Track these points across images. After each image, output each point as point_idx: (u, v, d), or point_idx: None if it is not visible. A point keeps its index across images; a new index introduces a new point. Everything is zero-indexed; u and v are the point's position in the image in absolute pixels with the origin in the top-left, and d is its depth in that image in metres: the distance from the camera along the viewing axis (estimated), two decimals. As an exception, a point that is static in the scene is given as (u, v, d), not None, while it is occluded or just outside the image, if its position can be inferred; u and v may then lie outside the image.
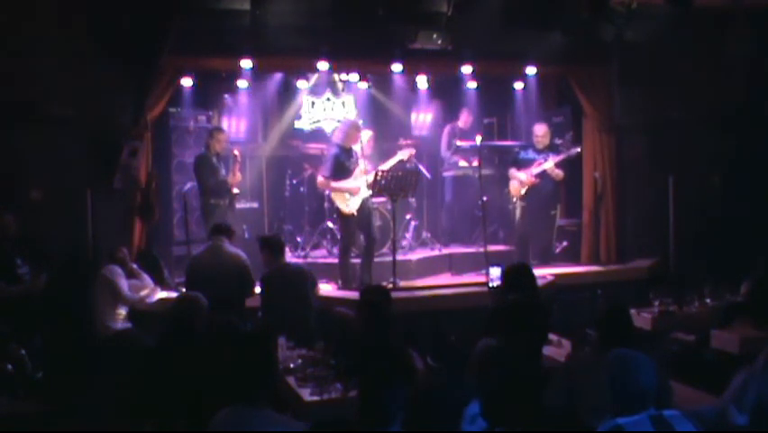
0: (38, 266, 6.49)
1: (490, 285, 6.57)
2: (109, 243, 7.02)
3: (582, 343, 4.74)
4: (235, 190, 7.97)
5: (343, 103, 10.28)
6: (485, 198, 8.34)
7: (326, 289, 7.68)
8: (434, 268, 8.79)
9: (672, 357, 5.59)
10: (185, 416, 4.06)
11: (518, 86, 9.78)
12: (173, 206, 8.69)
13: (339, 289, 7.80)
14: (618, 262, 9.06)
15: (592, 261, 9.12)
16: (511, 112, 10.53)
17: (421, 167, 9.29)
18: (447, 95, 10.29)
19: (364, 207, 7.81)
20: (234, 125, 9.64)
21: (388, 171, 7.88)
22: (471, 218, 9.53)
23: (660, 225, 9.07)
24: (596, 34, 7.83)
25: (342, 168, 7.76)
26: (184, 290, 6.37)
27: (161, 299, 6.91)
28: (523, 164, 8.89)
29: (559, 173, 8.73)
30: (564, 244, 9.39)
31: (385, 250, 8.32)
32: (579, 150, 8.83)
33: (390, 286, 7.32)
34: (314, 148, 9.52)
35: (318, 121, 10.23)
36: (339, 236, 8.34)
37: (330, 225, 8.87)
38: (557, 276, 8.35)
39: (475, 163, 8.92)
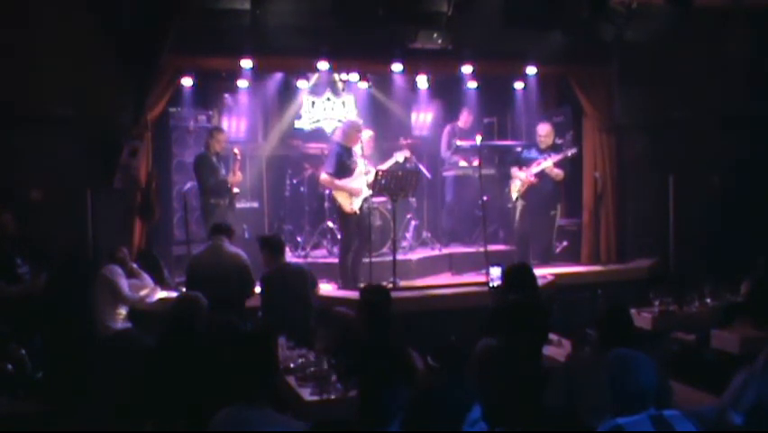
0: (38, 266, 6.50)
1: (491, 285, 6.58)
2: (109, 243, 7.02)
3: (582, 343, 4.73)
4: (235, 190, 7.97)
5: (343, 103, 10.28)
6: (485, 198, 8.34)
7: (326, 289, 7.68)
8: (434, 268, 8.79)
9: (672, 357, 5.59)
10: (185, 416, 4.06)
11: (518, 85, 9.78)
12: (173, 206, 8.69)
13: (339, 289, 7.80)
14: (618, 262, 9.06)
15: (592, 261, 9.12)
16: (511, 112, 10.53)
17: (421, 167, 9.30)
18: (447, 95, 10.29)
19: (363, 208, 7.84)
20: (234, 125, 9.63)
21: (388, 171, 7.90)
22: (472, 218, 9.53)
23: (660, 225, 9.07)
24: (596, 34, 7.83)
25: (344, 166, 7.84)
26: (184, 289, 6.37)
27: (161, 299, 6.91)
28: (524, 163, 8.89)
29: (559, 173, 8.72)
30: (564, 243, 9.39)
31: (385, 250, 8.33)
32: (575, 150, 8.82)
33: (390, 286, 7.32)
34: (314, 148, 9.52)
35: (318, 121, 10.23)
36: (339, 236, 8.35)
37: (330, 224, 8.87)
38: (557, 276, 8.35)
39: (475, 163, 8.92)
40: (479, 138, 8.63)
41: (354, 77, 9.42)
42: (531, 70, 9.02)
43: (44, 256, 6.66)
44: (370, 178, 7.74)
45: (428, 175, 9.58)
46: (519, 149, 9.25)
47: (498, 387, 3.85)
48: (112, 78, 7.28)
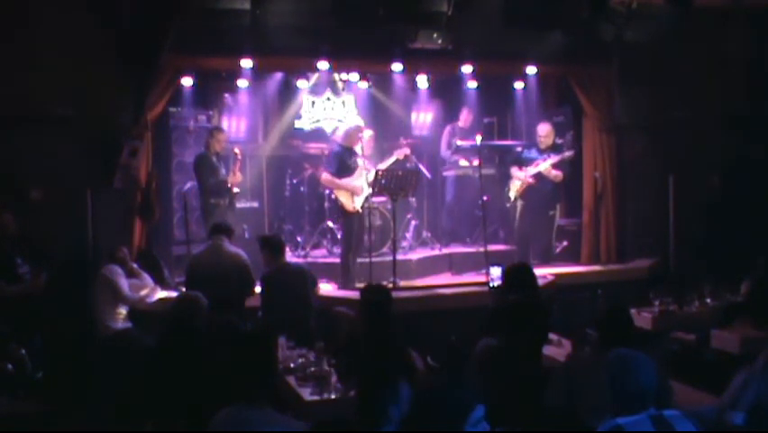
0: (38, 266, 6.50)
1: (491, 285, 6.58)
2: (109, 243, 7.02)
3: (582, 343, 4.73)
4: (235, 190, 7.96)
5: (343, 102, 10.28)
6: (485, 198, 8.34)
7: (326, 289, 7.69)
8: (434, 268, 8.79)
9: (672, 357, 5.59)
10: (185, 416, 4.06)
11: (518, 85, 9.77)
12: (173, 206, 8.69)
13: (339, 288, 7.80)
14: (618, 262, 9.06)
15: (592, 261, 9.12)
16: (511, 112, 10.52)
17: (421, 166, 9.30)
18: (447, 94, 10.29)
19: (363, 208, 7.88)
20: (234, 125, 9.63)
21: (388, 171, 7.91)
22: (472, 218, 9.53)
23: (660, 225, 9.07)
24: (596, 34, 7.83)
25: (345, 166, 7.91)
26: (184, 289, 6.37)
27: (161, 299, 6.91)
28: (524, 163, 8.88)
29: (558, 175, 8.70)
30: (564, 243, 9.38)
31: (385, 250, 8.33)
32: (573, 152, 8.80)
33: (390, 286, 7.32)
34: (314, 147, 9.52)
35: (318, 120, 10.22)
36: (340, 235, 8.36)
37: (330, 224, 8.87)
38: (557, 276, 8.34)
39: (475, 163, 8.92)
40: (479, 138, 8.63)
41: (354, 77, 9.42)
42: (531, 70, 9.01)
43: (44, 256, 6.66)
44: (371, 177, 7.76)
45: (428, 175, 9.58)
46: (519, 149, 9.25)
47: (498, 387, 3.85)
48: (112, 78, 7.27)
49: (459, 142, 9.48)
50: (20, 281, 6.34)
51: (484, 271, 7.55)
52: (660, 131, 9.06)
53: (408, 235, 9.07)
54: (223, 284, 6.03)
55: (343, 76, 9.61)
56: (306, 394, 4.42)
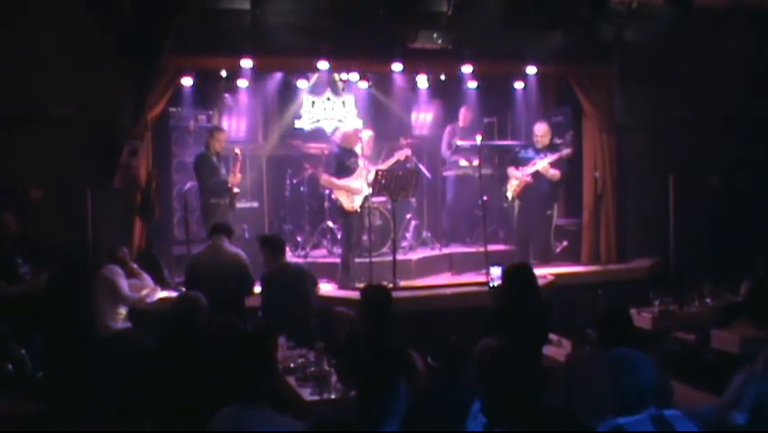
0: (38, 266, 6.50)
1: (491, 285, 6.58)
2: (109, 243, 7.02)
3: (582, 343, 4.74)
4: (236, 190, 7.96)
5: (343, 102, 10.28)
6: (485, 198, 8.34)
7: (326, 289, 7.69)
8: (434, 268, 8.79)
9: (672, 357, 5.58)
10: (185, 416, 4.06)
11: (518, 85, 9.77)
12: (173, 206, 8.69)
13: (339, 288, 7.81)
14: (618, 262, 9.06)
15: (592, 261, 9.12)
16: (511, 111, 10.52)
17: (421, 166, 9.30)
18: (447, 94, 10.29)
19: (363, 208, 7.91)
20: (234, 125, 9.63)
21: (388, 171, 7.93)
22: (472, 218, 9.53)
23: (660, 225, 9.07)
24: (596, 34, 7.84)
25: (343, 166, 7.99)
26: (184, 289, 6.37)
27: (161, 299, 6.91)
28: (521, 163, 8.87)
29: (555, 173, 8.68)
30: (564, 243, 9.38)
31: (385, 250, 8.33)
32: (570, 150, 8.78)
33: (390, 286, 7.32)
34: (314, 147, 9.52)
35: (318, 121, 10.22)
36: (340, 235, 8.37)
37: (330, 224, 8.87)
38: (557, 276, 8.34)
39: (475, 163, 8.92)
40: (479, 138, 8.63)
41: (354, 76, 9.42)
42: (531, 70, 9.01)
43: (44, 256, 6.66)
44: (370, 177, 7.77)
45: (428, 175, 9.58)
46: (517, 149, 9.24)
47: (498, 387, 3.85)
48: (112, 78, 7.27)
49: (459, 142, 9.48)
50: (20, 281, 6.34)
51: (484, 271, 7.55)
52: (660, 131, 9.06)
53: (408, 235, 9.08)
54: (222, 284, 6.03)
55: (343, 76, 9.61)
56: (306, 394, 4.42)
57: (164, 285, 7.39)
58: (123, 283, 6.48)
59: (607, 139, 9.14)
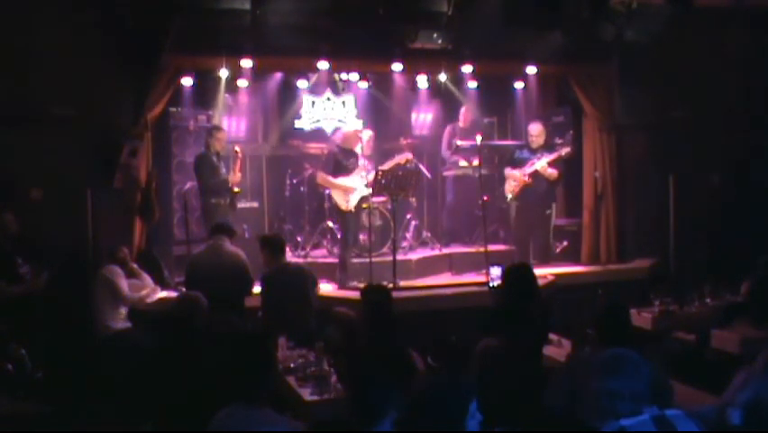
0: (38, 266, 6.50)
1: (490, 285, 6.58)
2: (109, 243, 7.03)
3: (582, 343, 4.74)
4: (236, 189, 7.95)
5: (343, 102, 10.28)
6: (485, 198, 8.34)
7: (326, 289, 7.69)
8: (434, 268, 8.78)
9: (672, 357, 5.58)
10: (185, 416, 4.06)
11: (518, 85, 9.78)
12: (173, 206, 8.68)
13: (339, 288, 7.81)
14: (618, 262, 9.06)
15: (592, 261, 9.12)
16: (511, 112, 10.53)
17: (421, 166, 9.30)
18: (447, 95, 10.28)
19: (359, 208, 7.95)
20: (234, 125, 9.63)
21: (388, 171, 7.93)
22: (472, 218, 9.52)
23: (660, 225, 9.07)
24: (596, 34, 7.83)
25: (339, 166, 8.03)
26: (184, 289, 6.37)
27: (161, 299, 6.91)
28: (518, 164, 8.86)
29: (552, 173, 8.66)
30: (564, 243, 9.38)
31: (385, 250, 8.33)
32: (569, 149, 8.78)
33: (390, 286, 7.32)
34: (314, 147, 9.52)
35: (318, 121, 10.22)
36: (340, 235, 8.37)
37: (330, 224, 8.87)
38: (557, 276, 8.35)
39: (475, 163, 8.92)
40: (479, 138, 8.63)
41: (354, 76, 9.41)
42: (531, 70, 9.01)
43: (44, 256, 6.66)
44: (371, 177, 7.78)
45: (428, 175, 9.58)
46: (512, 149, 9.22)
47: (498, 387, 3.85)
48: (112, 78, 7.28)
49: (459, 142, 9.48)
50: (20, 281, 6.34)
51: (484, 271, 7.55)
52: (660, 131, 9.06)
53: (408, 235, 9.07)
54: (222, 284, 6.03)
55: (343, 76, 9.60)
56: (306, 394, 4.42)
57: (164, 285, 7.39)
58: (123, 283, 6.48)
59: (607, 139, 9.14)
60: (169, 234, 8.60)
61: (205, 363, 4.30)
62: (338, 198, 8.00)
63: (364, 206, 8.07)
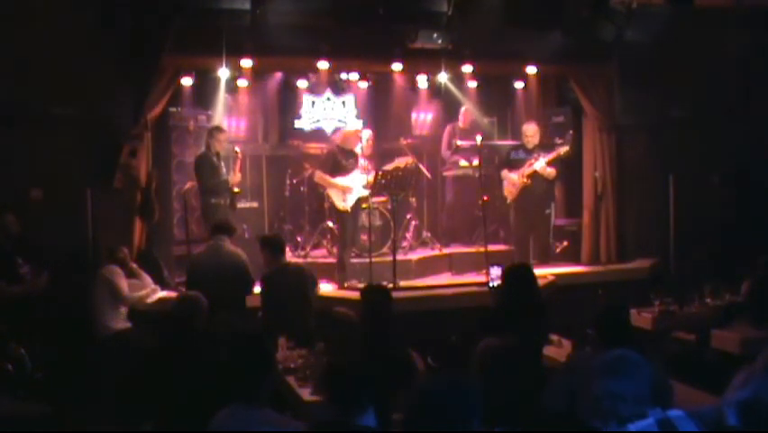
0: (38, 266, 6.50)
1: (491, 285, 6.58)
2: (109, 243, 7.03)
3: (582, 343, 4.74)
4: (236, 189, 7.95)
5: (344, 102, 10.27)
6: (485, 198, 8.33)
7: (326, 289, 7.69)
8: (434, 268, 8.78)
9: (672, 357, 5.59)
10: (185, 416, 4.06)
11: (518, 85, 9.78)
12: (173, 206, 8.68)
13: (339, 288, 7.81)
14: (619, 262, 9.06)
15: (592, 261, 9.12)
16: (511, 111, 10.52)
17: (421, 167, 9.29)
18: (447, 95, 10.27)
19: (356, 208, 7.98)
20: (234, 125, 9.63)
21: (388, 171, 7.93)
22: (472, 218, 9.52)
23: (660, 225, 9.07)
24: (596, 34, 7.82)
25: (337, 165, 8.05)
26: (184, 289, 6.37)
27: (161, 299, 6.91)
28: (515, 165, 8.84)
29: (551, 172, 8.65)
30: (564, 243, 9.38)
31: (385, 250, 8.33)
32: (567, 148, 8.77)
33: (390, 286, 7.32)
34: (314, 147, 9.53)
35: (318, 120, 10.22)
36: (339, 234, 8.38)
37: (330, 224, 8.86)
38: (557, 276, 8.34)
39: (475, 163, 8.91)
40: (479, 138, 8.63)
41: (354, 76, 9.42)
42: (531, 70, 9.02)
43: (44, 256, 6.66)
44: (371, 177, 7.78)
45: (428, 175, 9.58)
46: (507, 150, 9.19)
47: (498, 387, 3.85)
48: (112, 78, 7.27)
49: (459, 142, 9.47)
50: (21, 281, 6.34)
51: (484, 271, 7.54)
52: (660, 130, 9.06)
53: (408, 235, 9.07)
54: (223, 284, 6.03)
55: (343, 75, 9.61)
56: (306, 394, 4.42)
57: (164, 285, 7.39)
58: (123, 283, 6.48)
59: (607, 139, 9.14)
60: (168, 234, 8.59)
61: (205, 363, 4.30)
62: (335, 197, 8.02)
63: (364, 206, 8.08)
